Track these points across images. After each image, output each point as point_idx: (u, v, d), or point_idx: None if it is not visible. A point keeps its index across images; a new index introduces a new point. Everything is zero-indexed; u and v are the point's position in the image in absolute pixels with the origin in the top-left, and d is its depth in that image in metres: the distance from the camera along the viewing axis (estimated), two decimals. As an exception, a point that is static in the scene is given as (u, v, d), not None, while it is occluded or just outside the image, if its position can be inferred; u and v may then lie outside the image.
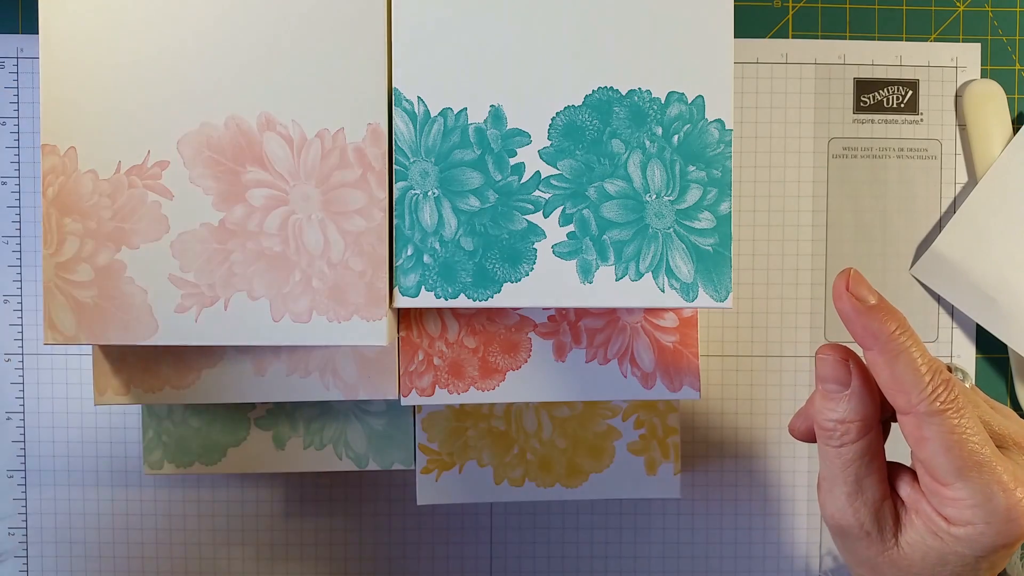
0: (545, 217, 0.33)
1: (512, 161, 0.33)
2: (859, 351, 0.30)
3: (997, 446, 0.28)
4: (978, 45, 0.46)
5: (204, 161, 0.33)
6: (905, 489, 0.29)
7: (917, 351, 0.27)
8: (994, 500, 0.26)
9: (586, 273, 0.33)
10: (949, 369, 0.30)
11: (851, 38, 0.46)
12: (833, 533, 0.30)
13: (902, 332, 0.28)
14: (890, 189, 0.46)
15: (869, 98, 0.46)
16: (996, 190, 0.44)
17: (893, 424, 0.31)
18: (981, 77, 0.46)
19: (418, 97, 0.33)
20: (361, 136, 0.33)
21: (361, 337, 0.33)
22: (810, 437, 0.31)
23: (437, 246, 0.33)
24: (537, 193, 0.33)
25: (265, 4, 0.33)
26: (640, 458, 0.41)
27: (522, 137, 0.33)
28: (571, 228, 0.33)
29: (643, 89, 0.33)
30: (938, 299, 0.46)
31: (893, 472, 0.30)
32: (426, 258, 0.33)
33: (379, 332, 0.33)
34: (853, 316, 0.28)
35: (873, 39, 0.46)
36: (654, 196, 0.33)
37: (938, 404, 0.27)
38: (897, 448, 0.31)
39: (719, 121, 0.33)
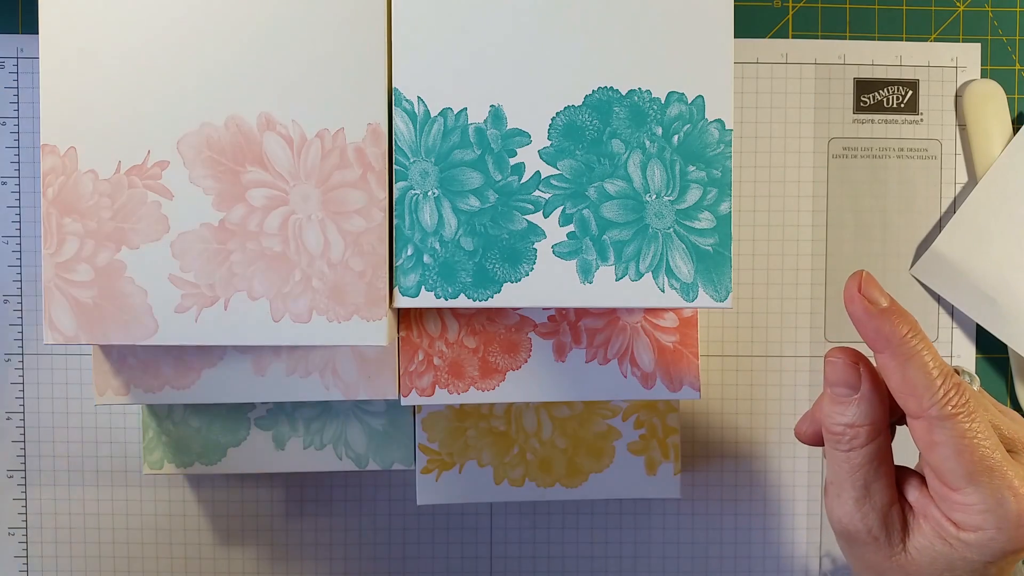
0: (545, 217, 0.33)
1: (512, 161, 0.33)
2: (867, 353, 0.30)
3: (1007, 450, 0.28)
4: (978, 45, 0.46)
5: (204, 161, 0.33)
6: (913, 494, 0.29)
7: (929, 355, 0.27)
8: (1005, 505, 0.26)
9: (586, 273, 0.33)
10: (957, 372, 0.30)
11: (851, 38, 0.46)
12: (840, 538, 0.30)
13: (914, 335, 0.27)
14: (890, 189, 0.46)
15: (869, 98, 0.46)
16: (996, 190, 0.44)
17: (899, 427, 0.31)
18: (981, 77, 0.46)
19: (418, 97, 0.33)
20: (361, 136, 0.33)
21: (361, 337, 0.33)
22: (817, 441, 0.31)
23: (437, 246, 0.33)
24: (537, 193, 0.33)
25: (265, 4, 0.33)
26: (640, 458, 0.41)
27: (522, 137, 0.33)
28: (571, 228, 0.33)
29: (643, 89, 0.33)
30: (938, 299, 0.46)
31: (900, 476, 0.30)
32: (426, 258, 0.33)
33: (379, 332, 0.33)
34: (865, 319, 0.28)
35: (873, 39, 0.46)
36: (654, 196, 0.33)
37: (949, 408, 0.27)
38: (904, 452, 0.31)
39: (719, 121, 0.33)
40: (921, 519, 0.28)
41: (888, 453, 0.29)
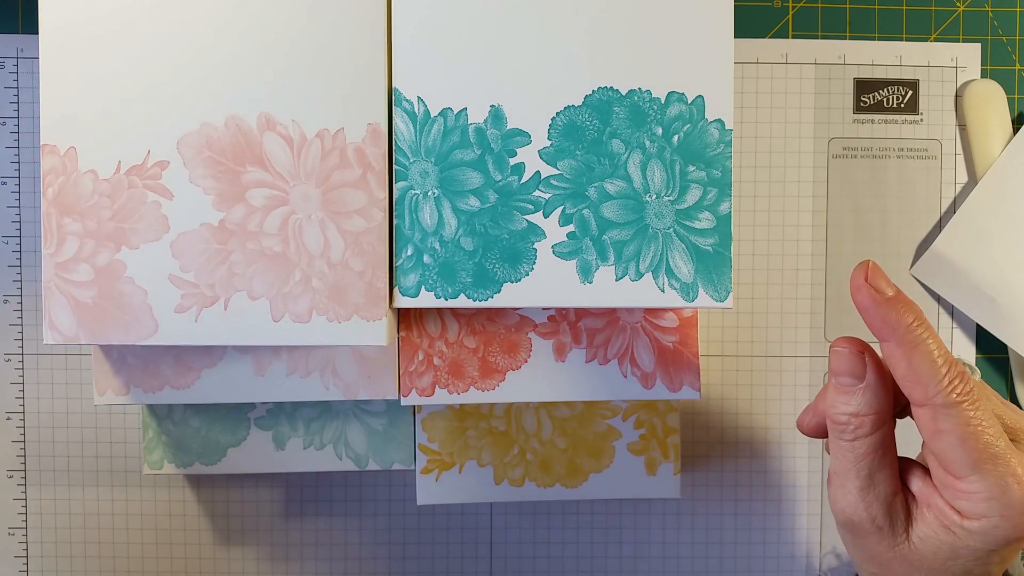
0: (545, 217, 0.33)
1: (512, 161, 0.33)
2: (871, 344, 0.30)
3: (1010, 440, 0.28)
4: (978, 45, 0.46)
5: (204, 161, 0.33)
6: (916, 483, 0.29)
7: (934, 343, 0.27)
8: (1009, 492, 0.26)
9: (586, 273, 0.33)
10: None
11: (851, 38, 0.46)
12: (842, 529, 0.30)
13: (919, 324, 0.28)
14: (890, 189, 0.46)
15: (869, 98, 0.46)
16: (996, 190, 0.44)
17: (899, 420, 0.31)
18: (981, 77, 0.46)
19: (418, 97, 0.33)
20: (361, 136, 0.33)
21: (361, 337, 0.33)
22: (819, 432, 0.31)
23: (437, 246, 0.33)
24: (537, 193, 0.33)
25: (265, 4, 0.33)
26: (640, 458, 0.41)
27: (522, 137, 0.33)
28: (571, 228, 0.33)
29: (643, 89, 0.33)
30: (938, 299, 0.46)
31: (903, 467, 0.30)
32: (426, 258, 0.33)
33: (379, 332, 0.33)
34: (871, 307, 0.28)
35: (873, 39, 0.46)
36: (654, 196, 0.33)
37: (954, 396, 0.27)
38: (905, 445, 0.31)
39: (719, 121, 0.33)
40: (924, 508, 0.28)
41: (892, 442, 0.29)
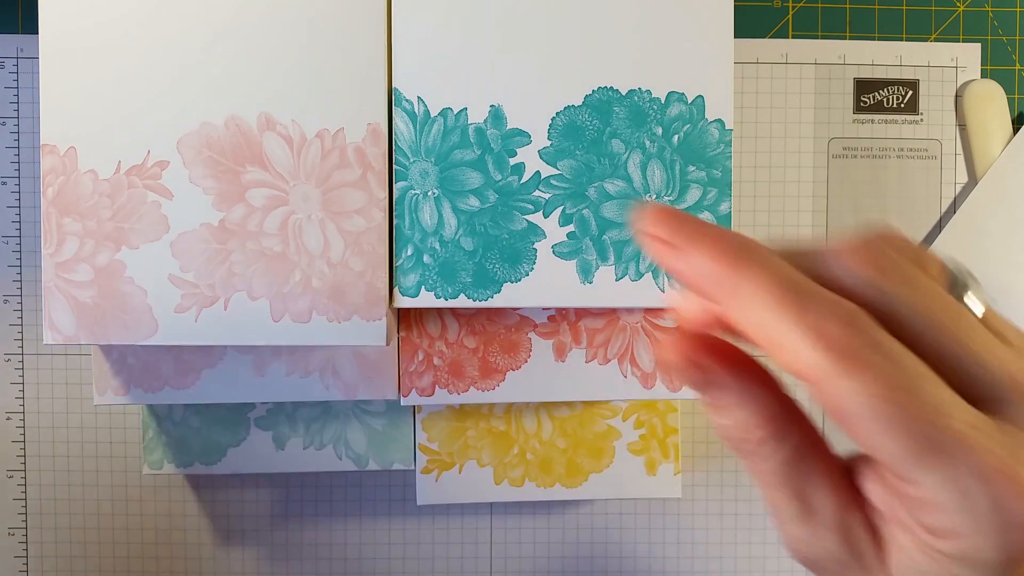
0: (545, 217, 0.33)
1: (512, 161, 0.33)
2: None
3: (985, 399, 0.17)
4: (978, 45, 0.46)
5: (204, 161, 0.33)
6: (876, 490, 0.19)
7: (772, 270, 0.17)
8: (972, 497, 0.16)
9: (586, 273, 0.33)
10: (956, 273, 0.19)
11: (851, 38, 0.46)
12: (808, 568, 0.21)
13: (741, 253, 0.17)
14: (890, 189, 0.46)
15: (869, 98, 0.46)
16: (996, 190, 0.44)
17: None
18: (981, 77, 0.46)
19: (418, 97, 0.33)
20: (361, 136, 0.33)
21: (361, 337, 0.33)
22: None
23: (437, 246, 0.33)
24: (537, 193, 0.33)
25: (265, 4, 0.33)
26: (640, 458, 0.41)
27: (522, 137, 0.33)
28: (571, 228, 0.33)
29: (643, 89, 0.33)
30: (938, 299, 0.46)
31: (856, 467, 0.19)
32: (426, 258, 0.33)
33: (379, 332, 0.33)
34: (666, 260, 0.18)
35: (873, 39, 0.46)
36: (654, 196, 0.33)
37: (836, 352, 0.16)
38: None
39: (719, 121, 0.33)
40: (893, 527, 0.18)
41: (817, 445, 0.19)
